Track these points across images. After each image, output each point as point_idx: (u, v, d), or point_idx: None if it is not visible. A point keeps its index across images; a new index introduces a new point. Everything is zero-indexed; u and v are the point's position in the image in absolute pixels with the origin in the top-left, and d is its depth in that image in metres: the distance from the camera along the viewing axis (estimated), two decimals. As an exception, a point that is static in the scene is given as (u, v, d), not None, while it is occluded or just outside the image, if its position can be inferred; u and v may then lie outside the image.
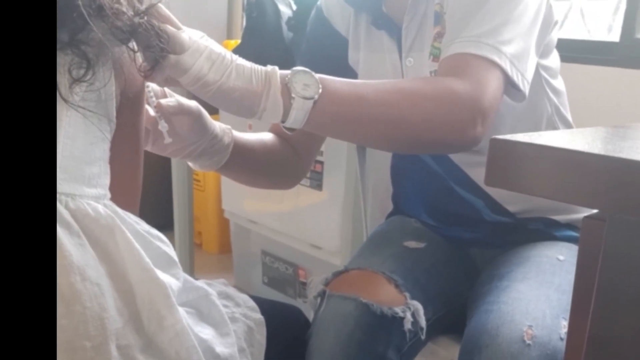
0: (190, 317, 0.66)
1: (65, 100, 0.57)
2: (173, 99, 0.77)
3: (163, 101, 0.75)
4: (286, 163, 0.95)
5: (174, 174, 1.90)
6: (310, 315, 0.88)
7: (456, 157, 0.95)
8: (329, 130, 0.75)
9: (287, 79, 0.69)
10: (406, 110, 0.72)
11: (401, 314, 0.82)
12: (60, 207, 0.57)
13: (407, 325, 0.83)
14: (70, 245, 0.56)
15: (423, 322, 0.84)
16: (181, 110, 0.77)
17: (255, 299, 0.80)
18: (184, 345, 0.63)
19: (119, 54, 0.61)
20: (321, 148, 1.63)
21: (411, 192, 1.05)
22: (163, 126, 0.74)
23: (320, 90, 0.69)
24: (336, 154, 1.58)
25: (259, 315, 0.77)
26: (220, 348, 0.68)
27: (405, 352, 0.85)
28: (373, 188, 1.14)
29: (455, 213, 0.99)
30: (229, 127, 0.87)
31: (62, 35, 0.56)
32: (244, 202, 1.92)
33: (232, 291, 0.78)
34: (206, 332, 0.67)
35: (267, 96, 0.67)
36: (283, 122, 0.70)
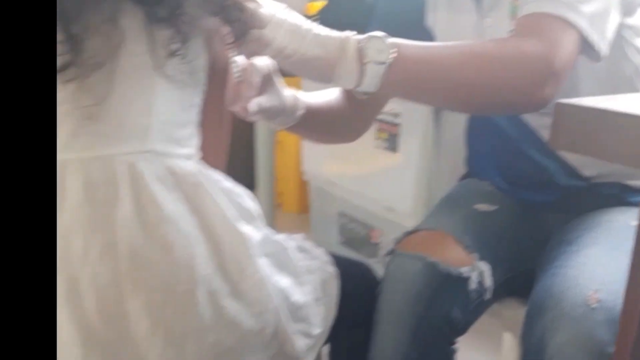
0: (269, 267, 0.71)
1: (162, 72, 0.62)
2: (256, 73, 0.81)
3: (247, 74, 0.80)
4: (350, 120, 0.98)
5: (257, 137, 1.98)
6: (381, 274, 0.91)
7: (531, 120, 0.95)
8: (400, 93, 0.77)
9: (361, 45, 0.71)
10: (475, 73, 0.73)
11: (467, 275, 0.85)
12: (155, 165, 0.63)
13: (473, 285, 0.85)
14: (165, 199, 0.62)
15: (489, 283, 0.87)
16: (261, 80, 0.82)
17: (330, 254, 0.85)
18: (263, 292, 0.69)
19: (209, 29, 0.67)
20: (398, 110, 1.65)
21: (484, 154, 1.06)
22: (247, 99, 0.79)
23: (393, 55, 0.71)
24: (413, 116, 1.58)
25: (333, 269, 0.82)
26: (297, 296, 0.74)
27: (470, 312, 0.87)
28: (447, 151, 1.16)
29: (528, 176, 1.00)
30: (295, 94, 0.90)
31: (161, 12, 0.62)
32: (322, 164, 1.97)
33: (309, 245, 0.83)
34: (284, 281, 0.73)
35: (342, 63, 0.70)
36: (357, 86, 0.72)
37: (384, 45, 0.71)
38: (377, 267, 0.93)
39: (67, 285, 0.61)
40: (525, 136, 0.97)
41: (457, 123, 1.09)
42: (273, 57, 0.71)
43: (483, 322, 0.97)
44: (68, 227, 0.60)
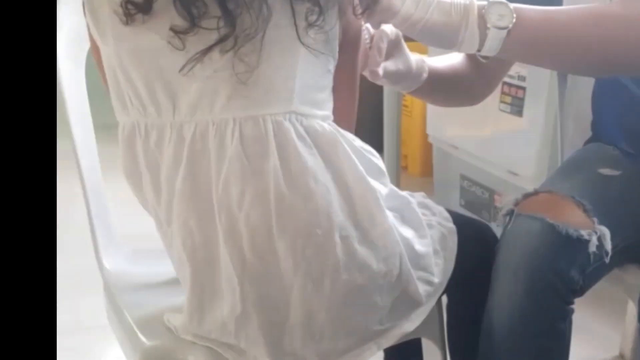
0: (395, 219, 0.79)
1: (302, 42, 0.70)
2: (384, 39, 0.86)
3: (375, 40, 0.85)
4: (473, 84, 1.00)
5: (385, 101, 2.02)
6: (500, 235, 0.92)
7: None
8: (522, 57, 0.79)
9: (483, 10, 0.73)
10: (597, 34, 0.73)
11: (587, 237, 0.84)
12: (297, 124, 0.71)
13: (592, 248, 0.84)
14: (305, 153, 0.70)
15: (609, 246, 0.86)
16: (388, 45, 0.86)
17: (450, 211, 0.90)
18: (389, 239, 0.76)
19: (342, 1, 0.73)
20: (524, 74, 1.63)
21: (611, 118, 1.04)
22: (376, 63, 0.84)
23: (514, 20, 0.72)
24: (539, 80, 1.56)
25: (451, 225, 0.87)
26: (418, 246, 0.80)
27: (588, 274, 0.86)
28: (574, 116, 1.15)
29: None
30: (422, 58, 0.94)
31: None
32: (447, 127, 1.98)
33: (430, 202, 0.89)
34: (408, 232, 0.80)
35: (465, 28, 0.73)
36: (479, 51, 0.75)
37: (506, 10, 0.73)
38: (498, 230, 0.95)
39: (227, 225, 0.72)
40: None
41: (584, 87, 1.08)
42: (399, 25, 0.74)
43: (606, 289, 0.97)
44: (227, 176, 0.70)
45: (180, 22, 0.66)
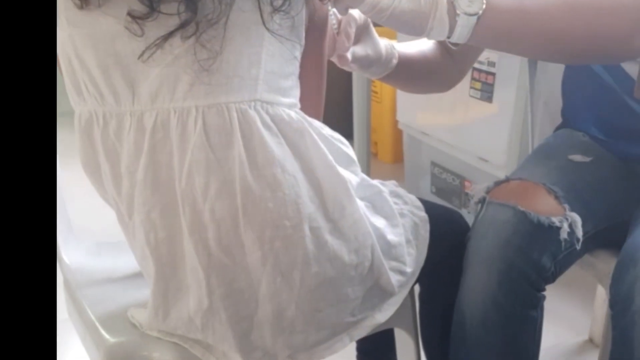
0: (366, 209, 0.77)
1: (267, 27, 0.67)
2: (351, 23, 0.84)
3: (343, 25, 0.83)
4: (444, 70, 0.99)
5: (355, 88, 2.01)
6: (472, 222, 0.93)
7: (630, 70, 0.93)
8: (492, 44, 0.78)
9: None
10: (568, 22, 0.73)
11: (558, 224, 0.85)
12: (262, 113, 0.68)
13: (564, 235, 0.85)
14: (272, 143, 0.68)
15: (580, 233, 0.86)
16: (356, 30, 0.84)
17: (422, 200, 0.89)
18: (361, 230, 0.74)
19: None
20: (494, 59, 1.62)
21: (581, 104, 1.04)
22: (345, 48, 0.83)
23: (484, 6, 0.71)
24: (508, 66, 1.56)
25: (423, 214, 0.86)
26: (391, 236, 0.79)
27: (559, 260, 0.87)
28: (544, 102, 1.15)
29: (626, 127, 0.98)
30: (391, 43, 0.93)
31: None
32: (417, 114, 1.98)
33: (401, 191, 0.87)
34: (379, 222, 0.79)
35: (434, 15, 0.72)
36: (449, 38, 0.74)
37: None
38: (469, 217, 0.95)
39: (192, 218, 0.69)
40: (623, 85, 0.95)
41: (554, 73, 1.08)
42: (367, 12, 0.73)
43: (576, 274, 0.98)
44: (191, 166, 0.68)
45: (138, 7, 0.63)
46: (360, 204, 0.76)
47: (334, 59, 0.85)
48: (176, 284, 0.74)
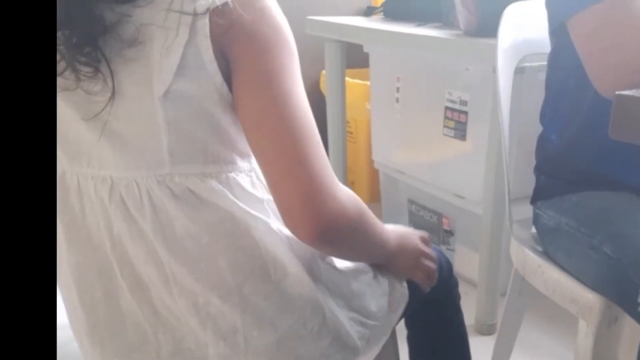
0: (322, 262, 0.72)
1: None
2: None
3: None
4: None
5: (330, 128, 2.03)
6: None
7: None
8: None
9: None
10: None
11: None
12: (173, 186, 0.65)
13: None
14: (183, 216, 0.65)
15: None
16: None
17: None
18: (306, 288, 0.69)
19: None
20: (466, 99, 1.64)
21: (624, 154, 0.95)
22: None
23: None
24: (480, 104, 1.59)
25: None
26: (356, 284, 0.75)
27: None
28: (519, 139, 1.15)
29: None
30: None
31: None
32: (392, 153, 2.00)
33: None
34: (342, 265, 0.75)
35: None
36: None
37: None
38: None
39: (132, 278, 0.68)
40: None
41: (527, 110, 1.09)
42: None
43: (558, 308, 0.97)
44: (119, 234, 0.66)
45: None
46: (310, 256, 0.72)
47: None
48: (117, 345, 0.71)
